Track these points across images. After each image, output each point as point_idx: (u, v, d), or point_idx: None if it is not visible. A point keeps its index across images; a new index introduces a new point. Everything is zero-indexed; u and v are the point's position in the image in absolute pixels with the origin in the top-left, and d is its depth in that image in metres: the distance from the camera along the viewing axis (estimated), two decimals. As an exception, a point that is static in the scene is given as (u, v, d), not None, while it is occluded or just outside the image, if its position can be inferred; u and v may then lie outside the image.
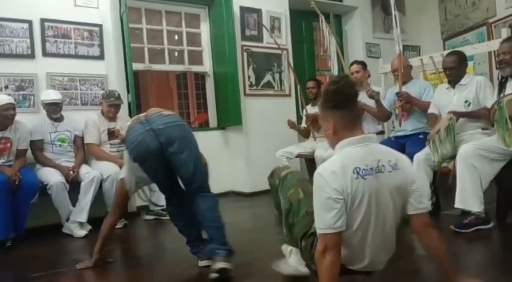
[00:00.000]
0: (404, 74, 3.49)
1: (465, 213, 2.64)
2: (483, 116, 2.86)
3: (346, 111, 1.49)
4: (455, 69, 3.02)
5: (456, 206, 2.64)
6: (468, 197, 2.58)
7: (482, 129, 2.93)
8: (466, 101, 2.96)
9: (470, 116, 2.92)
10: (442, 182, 3.17)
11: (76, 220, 3.22)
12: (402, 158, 1.54)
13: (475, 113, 2.90)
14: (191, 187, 2.18)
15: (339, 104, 1.48)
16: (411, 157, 3.05)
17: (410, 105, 3.41)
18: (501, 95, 2.66)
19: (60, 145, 3.46)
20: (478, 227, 2.57)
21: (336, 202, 1.37)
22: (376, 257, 1.52)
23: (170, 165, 2.15)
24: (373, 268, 1.56)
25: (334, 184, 1.38)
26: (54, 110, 3.45)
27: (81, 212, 3.23)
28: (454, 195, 2.65)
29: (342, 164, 1.41)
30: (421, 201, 1.52)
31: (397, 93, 3.44)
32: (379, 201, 1.43)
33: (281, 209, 1.77)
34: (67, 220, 3.25)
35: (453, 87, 3.08)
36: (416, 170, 2.64)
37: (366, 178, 1.40)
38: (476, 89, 2.92)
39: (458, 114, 2.86)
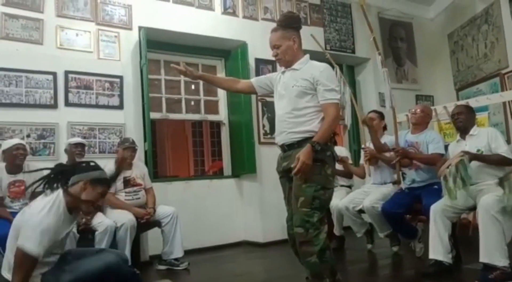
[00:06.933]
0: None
1: (488, 268, 2.54)
2: (496, 163, 2.84)
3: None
4: (463, 114, 3.06)
5: (481, 260, 2.55)
6: (493, 251, 2.51)
7: (499, 179, 2.87)
8: (478, 150, 2.92)
9: (482, 159, 2.87)
10: (462, 234, 3.07)
11: None
12: None
13: (488, 157, 2.86)
14: None
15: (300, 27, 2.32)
16: (427, 209, 2.99)
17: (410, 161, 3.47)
18: None
19: (76, 192, 3.48)
20: (505, 282, 2.47)
21: None
22: None
23: None
24: None
25: None
26: (79, 152, 3.52)
27: None
28: (475, 247, 2.57)
29: None
30: None
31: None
32: None
33: None
34: None
35: (464, 138, 3.08)
36: None
37: None
38: (488, 139, 2.91)
39: (471, 156, 2.80)
